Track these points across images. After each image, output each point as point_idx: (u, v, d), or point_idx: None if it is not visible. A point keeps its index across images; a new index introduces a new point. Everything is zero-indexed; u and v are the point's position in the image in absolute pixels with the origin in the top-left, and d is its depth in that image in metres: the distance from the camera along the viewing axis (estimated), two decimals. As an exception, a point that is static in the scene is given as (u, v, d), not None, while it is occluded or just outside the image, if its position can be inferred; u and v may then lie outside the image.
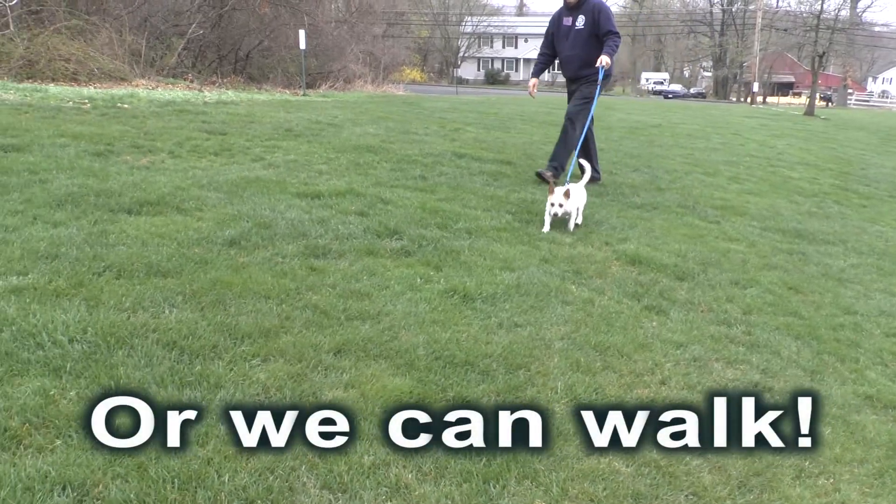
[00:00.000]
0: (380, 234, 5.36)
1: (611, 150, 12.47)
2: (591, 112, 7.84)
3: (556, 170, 7.94)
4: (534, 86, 8.51)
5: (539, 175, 7.97)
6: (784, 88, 71.20)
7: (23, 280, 3.90)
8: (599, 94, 7.76)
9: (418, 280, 4.50)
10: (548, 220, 6.16)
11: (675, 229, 6.95)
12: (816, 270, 6.31)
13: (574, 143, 7.83)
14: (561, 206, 6.06)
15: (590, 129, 8.18)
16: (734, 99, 70.92)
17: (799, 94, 66.52)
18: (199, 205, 5.65)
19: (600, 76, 7.56)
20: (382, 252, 5.01)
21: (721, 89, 76.57)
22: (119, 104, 12.20)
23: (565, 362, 3.70)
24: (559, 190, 6.10)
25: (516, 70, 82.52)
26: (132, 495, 2.30)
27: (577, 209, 6.29)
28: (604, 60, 7.38)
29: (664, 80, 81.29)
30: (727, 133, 19.22)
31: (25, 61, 17.42)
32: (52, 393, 2.84)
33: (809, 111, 36.24)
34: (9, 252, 4.27)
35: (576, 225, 6.34)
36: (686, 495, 2.75)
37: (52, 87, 14.68)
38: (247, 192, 6.16)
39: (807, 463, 3.06)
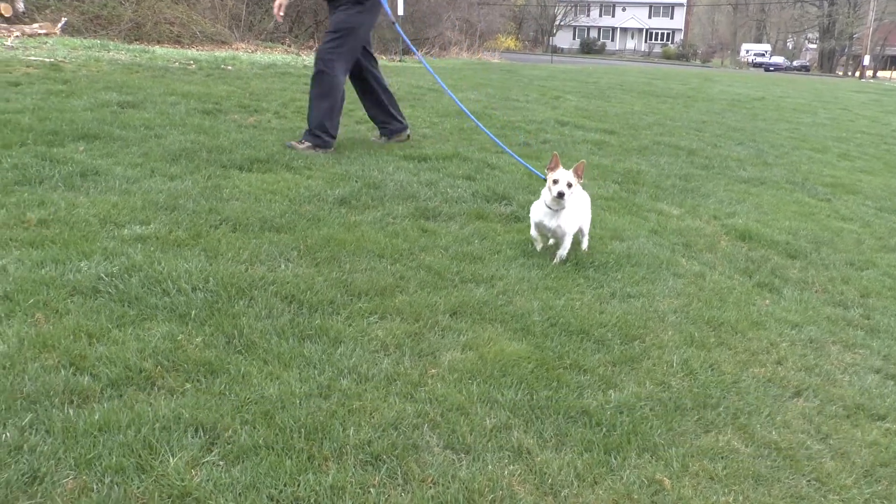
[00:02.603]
0: (488, 198, 5.32)
1: (714, 123, 12.08)
2: (350, 46, 6.29)
3: (318, 137, 6.28)
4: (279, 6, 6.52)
5: (290, 147, 6.26)
6: (898, 62, 67.42)
7: (146, 229, 4.01)
8: (360, 22, 6.25)
9: (529, 245, 4.44)
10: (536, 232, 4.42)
11: (784, 206, 6.67)
12: (942, 255, 5.94)
13: (335, 97, 6.30)
14: (568, 187, 4.07)
15: (371, 71, 6.80)
16: (840, 73, 67.61)
17: (914, 69, 62.84)
18: (308, 164, 5.71)
19: None
20: (492, 216, 4.96)
21: (826, 62, 73.06)
22: (222, 66, 12.46)
23: (679, 336, 3.58)
24: (563, 172, 4.10)
25: (612, 39, 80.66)
26: (261, 441, 2.33)
27: (581, 229, 4.49)
28: None
29: (766, 51, 77.99)
30: (835, 108, 18.35)
31: (133, 24, 18.02)
32: (179, 338, 2.91)
33: (926, 87, 34.23)
34: (132, 202, 4.40)
35: (562, 260, 4.31)
36: (808, 480, 2.62)
37: (158, 49, 15.12)
38: (353, 153, 6.20)
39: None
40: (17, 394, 2.44)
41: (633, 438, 2.66)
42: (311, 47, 22.08)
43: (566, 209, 4.10)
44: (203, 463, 2.22)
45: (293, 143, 6.28)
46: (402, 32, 6.74)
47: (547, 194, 4.08)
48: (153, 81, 9.34)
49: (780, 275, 4.74)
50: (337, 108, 6.30)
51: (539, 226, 4.22)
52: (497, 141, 6.09)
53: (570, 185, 4.01)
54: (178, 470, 2.16)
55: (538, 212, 4.18)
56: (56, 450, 2.19)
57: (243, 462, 2.24)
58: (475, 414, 2.65)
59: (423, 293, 3.60)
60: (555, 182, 4.00)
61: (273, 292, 3.41)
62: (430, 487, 2.23)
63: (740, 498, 2.44)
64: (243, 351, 2.89)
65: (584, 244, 4.53)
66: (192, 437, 2.32)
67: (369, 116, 7.10)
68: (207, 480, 2.14)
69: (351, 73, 6.57)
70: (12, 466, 2.10)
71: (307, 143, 6.23)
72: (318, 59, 6.31)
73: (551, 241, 4.41)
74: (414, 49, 6.10)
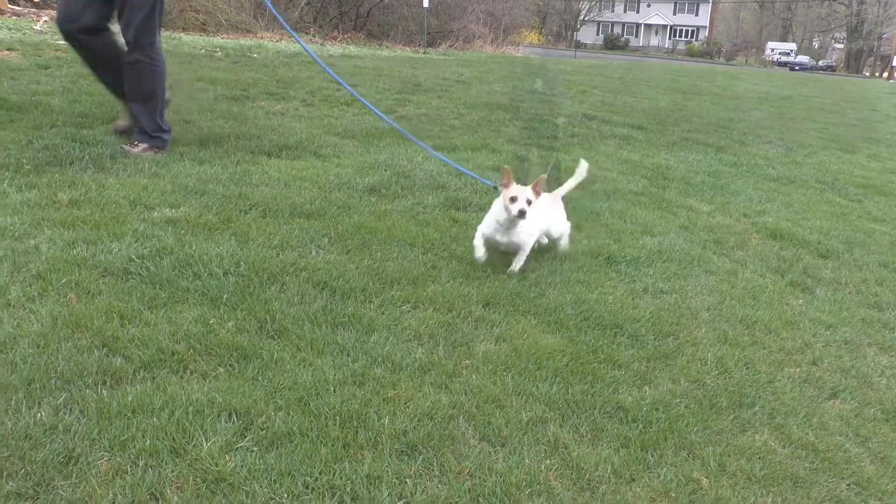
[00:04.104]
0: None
1: (741, 121, 11.95)
2: (160, 18, 5.14)
3: (155, 138, 5.28)
4: None
5: (123, 152, 5.13)
6: (928, 64, 66.47)
7: (176, 212, 4.00)
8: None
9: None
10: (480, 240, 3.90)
11: (814, 205, 6.58)
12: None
13: (163, 86, 5.32)
14: (528, 204, 3.62)
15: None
16: (867, 73, 66.73)
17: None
18: (337, 151, 5.69)
19: None
20: (522, 209, 4.91)
21: (853, 62, 72.14)
22: (248, 54, 12.46)
23: (713, 334, 3.53)
24: (520, 189, 3.67)
25: (636, 36, 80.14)
26: (295, 428, 2.30)
27: (563, 234, 4.21)
28: None
29: (791, 50, 77.13)
30: (863, 109, 18.11)
31: (160, 10, 18.05)
32: (211, 322, 2.89)
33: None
34: (161, 185, 4.39)
35: (513, 273, 3.84)
36: (848, 484, 2.56)
37: (184, 36, 15.14)
38: (382, 141, 6.17)
39: None
40: (52, 373, 2.42)
41: (670, 436, 2.61)
42: (335, 37, 22.07)
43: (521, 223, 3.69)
44: (237, 448, 2.19)
45: (126, 147, 5.15)
46: (271, 6, 5.60)
47: (501, 211, 3.67)
48: (180, 67, 9.34)
49: (813, 275, 4.67)
50: (164, 98, 5.31)
51: (490, 240, 3.79)
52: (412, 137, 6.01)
53: (529, 203, 3.58)
54: (212, 454, 2.14)
55: (489, 226, 3.77)
56: (90, 431, 2.18)
57: (277, 448, 2.21)
58: (510, 406, 2.61)
59: (456, 283, 3.56)
60: (512, 200, 3.58)
61: (305, 278, 3.38)
62: (467, 480, 2.20)
63: (779, 500, 2.39)
64: (275, 336, 2.86)
65: (564, 242, 4.20)
66: (226, 422, 2.30)
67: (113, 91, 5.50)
68: (241, 466, 2.11)
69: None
70: (47, 446, 2.09)
71: (143, 146, 5.17)
72: (133, 46, 5.00)
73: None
74: (287, 26, 5.41)
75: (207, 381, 2.51)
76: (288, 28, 4.52)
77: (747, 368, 3.24)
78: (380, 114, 5.10)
